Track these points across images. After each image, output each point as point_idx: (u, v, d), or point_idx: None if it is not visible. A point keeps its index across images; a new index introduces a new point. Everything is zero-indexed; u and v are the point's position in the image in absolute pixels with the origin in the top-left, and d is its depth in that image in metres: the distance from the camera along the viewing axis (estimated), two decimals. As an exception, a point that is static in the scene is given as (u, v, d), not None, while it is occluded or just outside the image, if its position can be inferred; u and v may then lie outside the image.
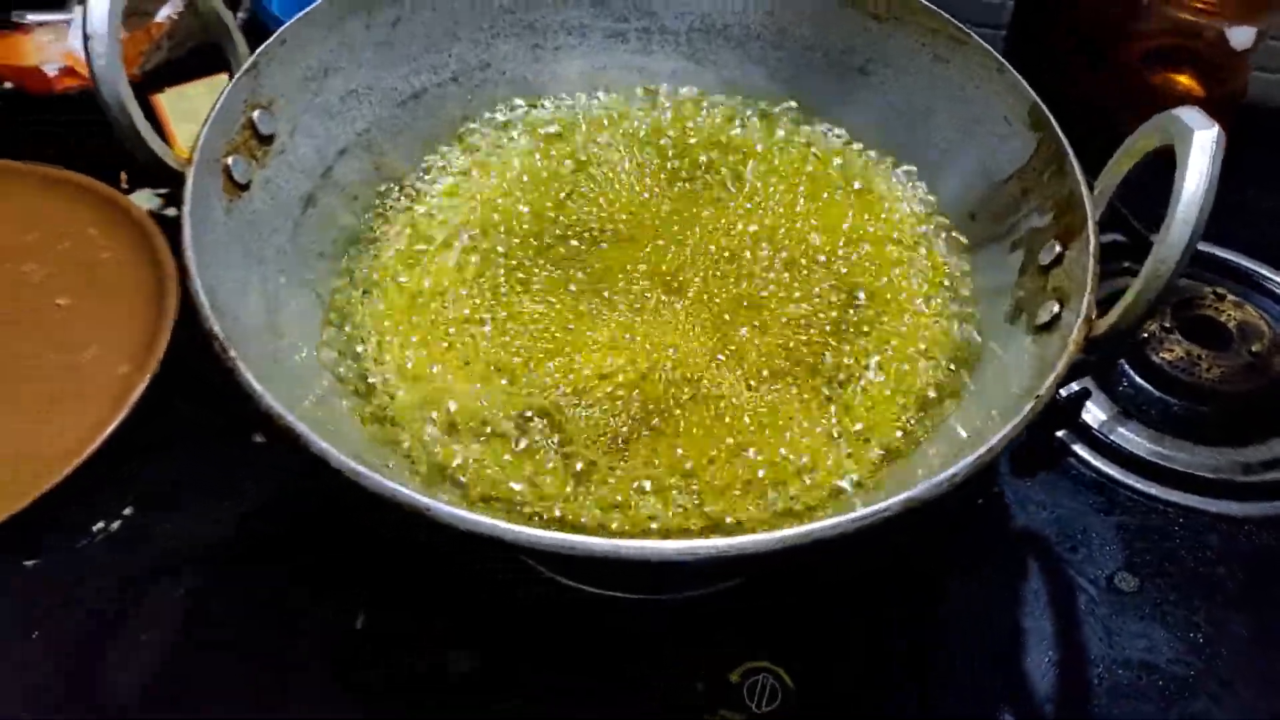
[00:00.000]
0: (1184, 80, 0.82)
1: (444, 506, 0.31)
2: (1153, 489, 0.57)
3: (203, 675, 0.48)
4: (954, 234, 0.52)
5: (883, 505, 0.33)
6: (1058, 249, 0.44)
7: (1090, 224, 0.42)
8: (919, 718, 0.48)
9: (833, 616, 0.51)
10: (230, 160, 0.44)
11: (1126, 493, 0.57)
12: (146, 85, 0.80)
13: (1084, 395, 0.59)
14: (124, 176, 0.75)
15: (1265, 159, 0.79)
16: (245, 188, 0.45)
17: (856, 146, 0.56)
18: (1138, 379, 0.60)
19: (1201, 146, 0.36)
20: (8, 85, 0.83)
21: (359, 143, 0.52)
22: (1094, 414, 0.60)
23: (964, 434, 0.43)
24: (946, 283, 0.50)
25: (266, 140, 0.47)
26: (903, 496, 0.34)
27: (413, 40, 0.54)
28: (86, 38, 0.37)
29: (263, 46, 0.47)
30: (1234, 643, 0.51)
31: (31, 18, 0.86)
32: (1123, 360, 0.61)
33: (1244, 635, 0.51)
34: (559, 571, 0.51)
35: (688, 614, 0.51)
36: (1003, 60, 0.49)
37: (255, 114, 0.46)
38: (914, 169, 0.54)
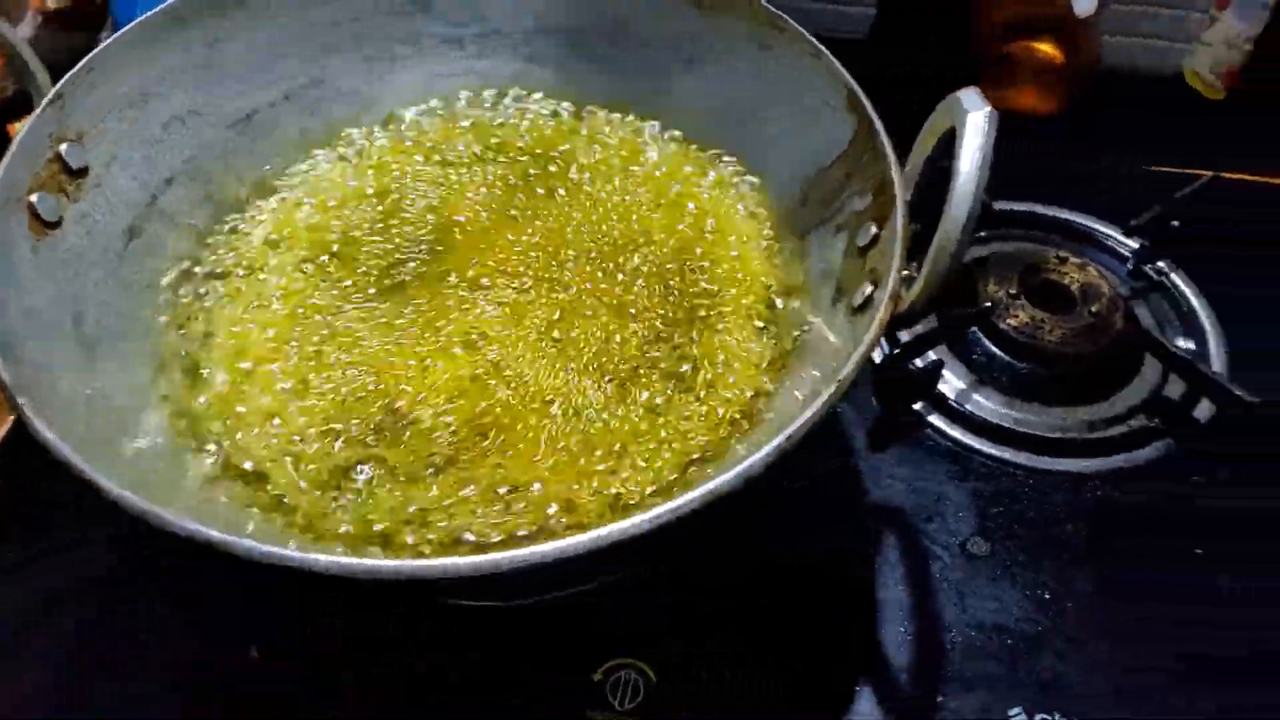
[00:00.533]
0: (1042, 47, 0.84)
1: (223, 537, 0.31)
2: (1004, 453, 0.58)
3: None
4: (785, 220, 0.53)
5: (677, 503, 0.34)
6: (874, 230, 0.45)
7: (899, 204, 0.43)
8: (778, 697, 0.49)
9: (690, 608, 0.52)
10: (35, 198, 0.43)
11: (980, 459, 0.58)
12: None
13: (939, 366, 0.60)
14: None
15: (1115, 122, 0.81)
16: (56, 224, 0.44)
17: (682, 139, 0.57)
18: (989, 346, 0.62)
19: (975, 126, 0.38)
20: None
21: (186, 170, 0.52)
22: (951, 384, 0.61)
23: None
24: (773, 273, 0.51)
25: (78, 174, 0.46)
26: (700, 491, 0.34)
27: (235, 60, 0.53)
28: None
29: (67, 76, 0.46)
30: (1079, 598, 0.53)
31: None
32: (974, 329, 0.62)
33: (1088, 590, 0.53)
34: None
35: (546, 619, 0.52)
36: (819, 45, 0.50)
37: (63, 147, 0.45)
38: (743, 159, 0.55)
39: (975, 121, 0.37)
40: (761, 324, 0.51)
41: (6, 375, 0.35)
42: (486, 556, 0.31)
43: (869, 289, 0.44)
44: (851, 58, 0.49)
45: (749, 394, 0.48)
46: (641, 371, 0.48)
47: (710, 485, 0.34)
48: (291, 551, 0.31)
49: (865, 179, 0.47)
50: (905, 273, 0.41)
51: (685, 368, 0.49)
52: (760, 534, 0.55)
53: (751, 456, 0.35)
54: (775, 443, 0.36)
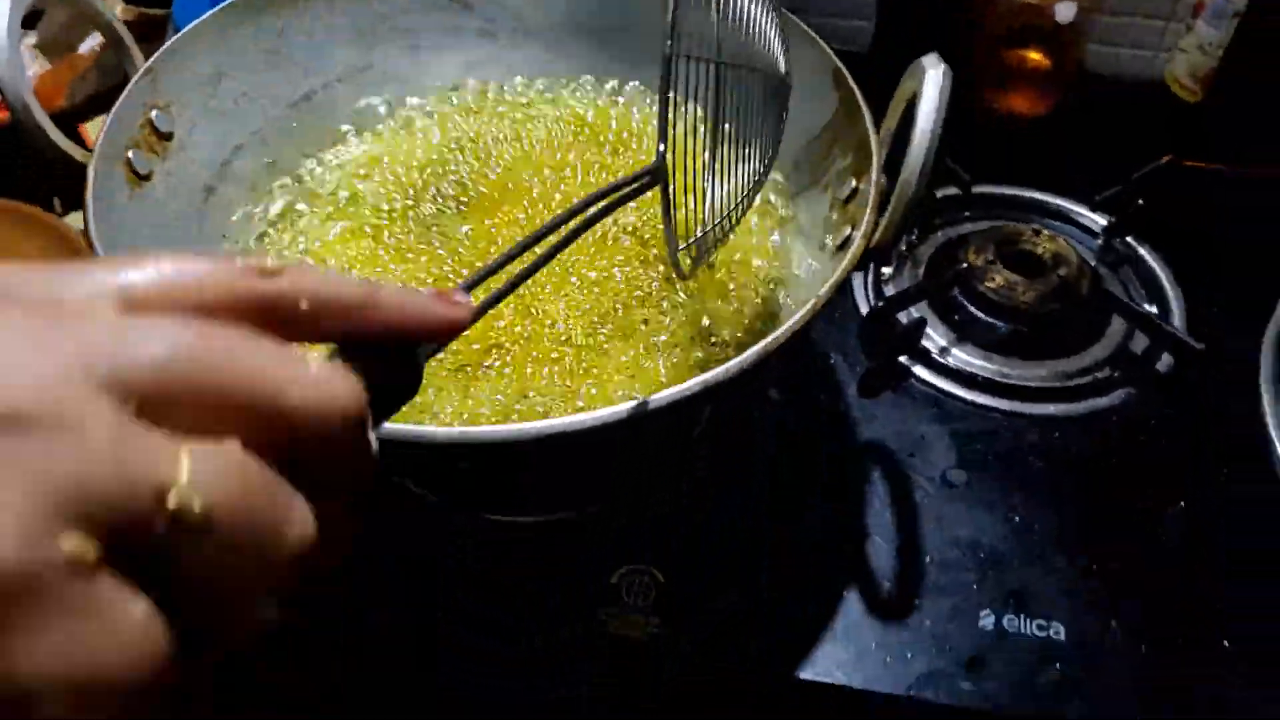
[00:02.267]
0: (1032, 55, 0.91)
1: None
2: (981, 399, 0.65)
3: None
4: (780, 182, 0.60)
5: (683, 387, 0.40)
6: (853, 184, 0.52)
7: (875, 159, 0.50)
8: (775, 599, 0.56)
9: (699, 526, 0.59)
10: (131, 154, 0.51)
11: (958, 404, 0.65)
12: (75, 115, 0.86)
13: (921, 323, 0.66)
14: (57, 201, 0.81)
15: (1099, 121, 0.88)
16: (147, 178, 0.52)
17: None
18: (969, 307, 0.68)
19: (933, 82, 0.44)
20: (-60, 121, 0.89)
21: (254, 140, 0.59)
22: (933, 340, 0.68)
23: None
24: (773, 222, 0.58)
25: (166, 137, 0.54)
26: (698, 380, 0.41)
27: (298, 47, 0.61)
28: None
29: (158, 53, 0.53)
30: (1044, 520, 0.59)
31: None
32: (955, 291, 0.69)
33: (1052, 515, 0.59)
34: (444, 493, 0.58)
35: (569, 533, 0.58)
36: (813, 34, 0.57)
37: (153, 114, 0.53)
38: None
39: (933, 77, 0.44)
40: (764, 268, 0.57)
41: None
42: (572, 418, 0.38)
43: (848, 230, 0.50)
44: (851, 68, 0.55)
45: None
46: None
47: (712, 373, 0.41)
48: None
49: (847, 144, 0.54)
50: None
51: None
52: (762, 466, 0.61)
53: (744, 354, 0.42)
54: (764, 343, 0.42)
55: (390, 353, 0.24)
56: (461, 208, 0.59)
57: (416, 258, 0.57)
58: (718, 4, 0.42)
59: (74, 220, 0.79)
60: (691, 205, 0.43)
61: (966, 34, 0.90)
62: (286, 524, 0.20)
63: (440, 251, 0.57)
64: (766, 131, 0.47)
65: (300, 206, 0.59)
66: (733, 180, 0.45)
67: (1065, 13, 0.84)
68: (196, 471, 0.18)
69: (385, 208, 0.59)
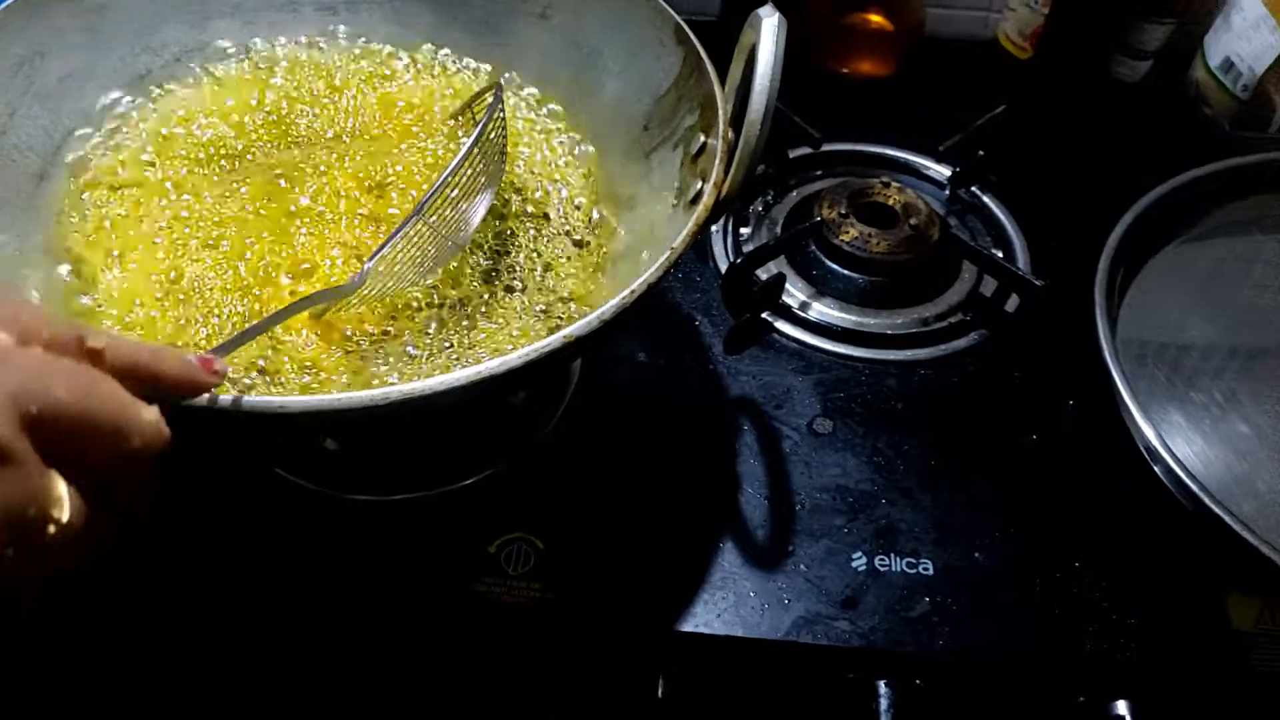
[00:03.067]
0: (873, 18, 0.94)
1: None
2: (842, 348, 0.67)
3: None
4: (632, 146, 0.60)
5: (545, 341, 0.40)
6: (703, 139, 0.53)
7: (721, 114, 0.51)
8: (652, 556, 0.56)
9: (575, 492, 0.59)
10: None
11: (821, 355, 0.67)
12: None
13: (781, 279, 0.68)
14: None
15: (939, 80, 0.91)
16: (-36, 168, 0.49)
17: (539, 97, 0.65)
18: (826, 261, 0.70)
19: (769, 30, 0.45)
20: None
21: (91, 122, 0.56)
22: (793, 295, 0.69)
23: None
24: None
25: (-19, 122, 0.50)
26: (560, 335, 0.41)
27: (122, 25, 0.58)
28: None
29: (-36, 36, 0.50)
30: (908, 461, 0.61)
31: None
32: (812, 245, 0.71)
33: (915, 454, 0.61)
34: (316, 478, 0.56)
35: (447, 507, 0.58)
36: (650, -4, 0.58)
37: (-35, 98, 0.50)
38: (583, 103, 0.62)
39: (769, 25, 0.45)
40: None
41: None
42: (439, 379, 0.38)
43: (699, 184, 0.51)
44: (702, 35, 0.55)
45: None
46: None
47: (573, 327, 0.41)
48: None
49: (694, 99, 0.55)
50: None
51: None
52: (637, 430, 0.62)
53: (602, 307, 0.42)
54: (622, 295, 0.42)
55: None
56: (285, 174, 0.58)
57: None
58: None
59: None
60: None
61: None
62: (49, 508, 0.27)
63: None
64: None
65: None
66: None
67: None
68: (72, 509, 0.27)
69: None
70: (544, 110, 0.64)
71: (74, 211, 0.54)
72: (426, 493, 0.58)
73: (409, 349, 0.51)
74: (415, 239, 0.49)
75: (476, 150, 0.49)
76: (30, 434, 0.26)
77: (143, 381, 0.31)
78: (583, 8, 0.61)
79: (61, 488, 0.27)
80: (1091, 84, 0.92)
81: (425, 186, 0.57)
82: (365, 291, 0.49)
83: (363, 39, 0.65)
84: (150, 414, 0.30)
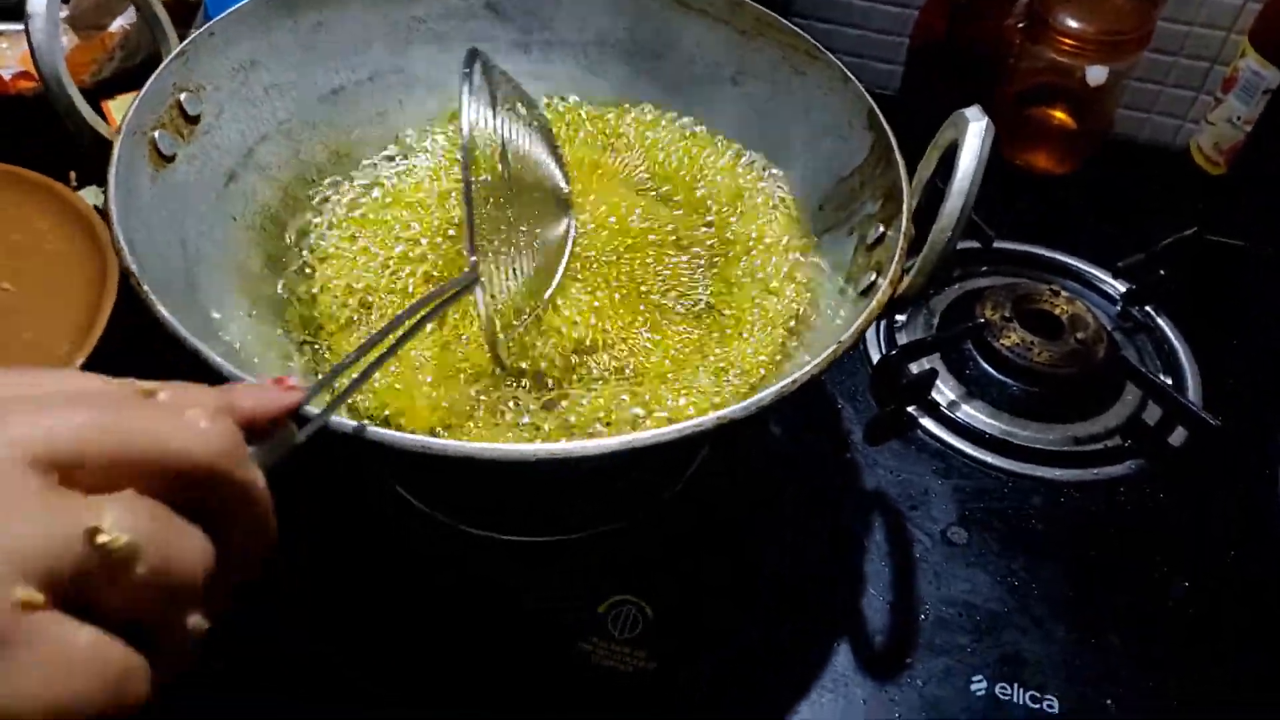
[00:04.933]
0: (1058, 114, 0.91)
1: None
2: (988, 457, 0.64)
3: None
4: (805, 222, 0.59)
5: (698, 421, 0.39)
6: (881, 229, 0.51)
7: (905, 206, 0.49)
8: (764, 643, 0.54)
9: (695, 560, 0.58)
10: (157, 134, 0.50)
11: (964, 460, 0.64)
12: (100, 93, 0.86)
13: (932, 375, 0.66)
14: (73, 175, 0.81)
15: (1122, 186, 0.88)
16: (170, 159, 0.51)
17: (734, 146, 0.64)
18: (982, 363, 0.68)
19: (975, 133, 0.44)
20: (-38, 88, 0.88)
21: (280, 130, 0.58)
22: (943, 393, 0.67)
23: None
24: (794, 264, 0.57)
25: (193, 120, 0.53)
26: (713, 416, 0.40)
27: (333, 43, 0.60)
28: (27, 17, 0.43)
29: (191, 36, 0.53)
30: (1044, 586, 0.58)
31: (-9, 26, 0.92)
32: (969, 346, 0.68)
33: (1052, 580, 0.58)
34: (445, 512, 0.57)
35: (563, 556, 0.57)
36: (848, 73, 0.57)
37: (182, 96, 0.52)
38: (777, 170, 0.62)
39: (975, 129, 0.44)
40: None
41: (135, 267, 0.41)
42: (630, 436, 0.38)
43: (873, 276, 0.49)
44: (881, 109, 0.54)
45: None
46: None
47: (728, 410, 0.40)
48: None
49: (877, 188, 0.54)
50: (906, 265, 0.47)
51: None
52: (763, 507, 0.60)
53: (762, 392, 0.41)
54: (781, 384, 0.41)
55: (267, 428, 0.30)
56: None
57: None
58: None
59: (87, 195, 0.79)
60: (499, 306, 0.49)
61: (994, 87, 0.90)
62: (187, 549, 0.25)
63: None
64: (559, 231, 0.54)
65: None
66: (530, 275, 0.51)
67: (1096, 76, 0.83)
68: (116, 515, 0.24)
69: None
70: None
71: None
72: (543, 539, 0.58)
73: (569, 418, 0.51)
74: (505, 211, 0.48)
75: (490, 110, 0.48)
76: (41, 473, 0.23)
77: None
78: (776, 77, 0.61)
79: (91, 501, 0.24)
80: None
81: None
82: (490, 290, 0.47)
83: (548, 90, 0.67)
84: (191, 414, 0.26)
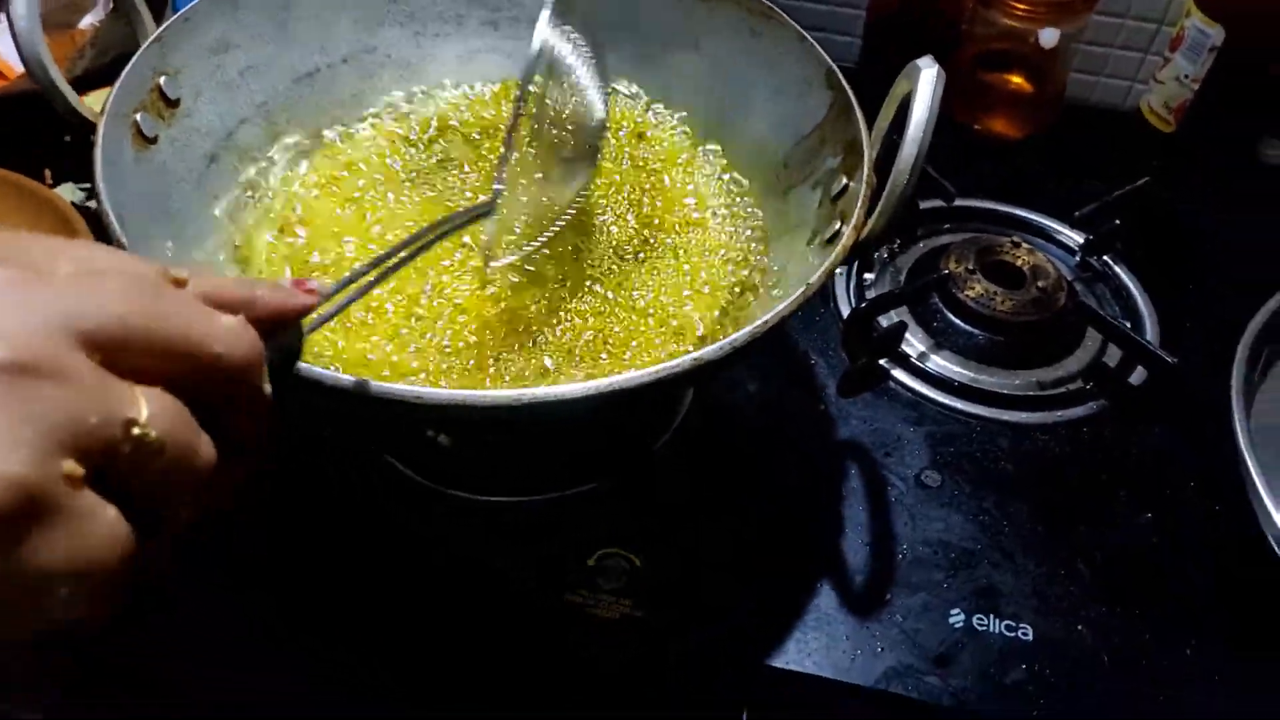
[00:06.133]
0: (1013, 79, 0.94)
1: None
2: (957, 403, 0.66)
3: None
4: (771, 181, 0.61)
5: (676, 362, 0.41)
6: (844, 181, 0.53)
7: (866, 158, 0.51)
8: (749, 587, 0.56)
9: (678, 514, 0.60)
10: (139, 117, 0.51)
11: (935, 408, 0.66)
12: (73, 88, 0.86)
13: (901, 328, 0.68)
14: (48, 173, 0.82)
15: (1078, 146, 0.90)
16: (153, 141, 0.52)
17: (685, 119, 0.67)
18: (948, 314, 0.70)
19: (926, 81, 0.46)
20: (-65, 87, 0.89)
21: (258, 112, 0.60)
22: (912, 345, 0.69)
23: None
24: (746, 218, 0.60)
25: (172, 104, 0.54)
26: (690, 357, 0.42)
27: (304, 24, 0.62)
28: (9, 4, 0.45)
29: (168, 22, 0.54)
30: (1014, 524, 0.60)
31: (-41, 25, 0.93)
32: (935, 298, 0.70)
33: (1022, 517, 0.60)
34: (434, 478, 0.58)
35: (551, 514, 0.59)
36: (803, 32, 0.59)
37: (161, 80, 0.53)
38: (731, 134, 0.64)
39: (927, 75, 0.46)
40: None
41: (124, 237, 0.43)
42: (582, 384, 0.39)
43: (838, 225, 0.52)
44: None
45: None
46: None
47: (703, 350, 0.42)
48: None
49: (838, 142, 0.56)
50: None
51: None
52: (744, 460, 0.62)
53: (735, 334, 0.43)
54: (754, 325, 0.43)
55: (277, 327, 0.31)
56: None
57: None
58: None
59: (64, 191, 0.80)
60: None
61: (951, 54, 0.92)
62: (200, 452, 0.27)
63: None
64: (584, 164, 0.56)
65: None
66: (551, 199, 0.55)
67: (1049, 38, 0.86)
68: (151, 410, 0.25)
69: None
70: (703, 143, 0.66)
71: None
72: (531, 498, 0.60)
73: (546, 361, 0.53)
74: (535, 147, 0.51)
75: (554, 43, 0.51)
76: (89, 352, 0.24)
77: (234, 309, 0.29)
78: (735, 41, 0.63)
79: (131, 390, 0.25)
80: (1237, 164, 0.89)
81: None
82: (506, 214, 0.50)
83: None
84: (227, 319, 0.28)
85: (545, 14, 0.47)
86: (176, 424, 0.26)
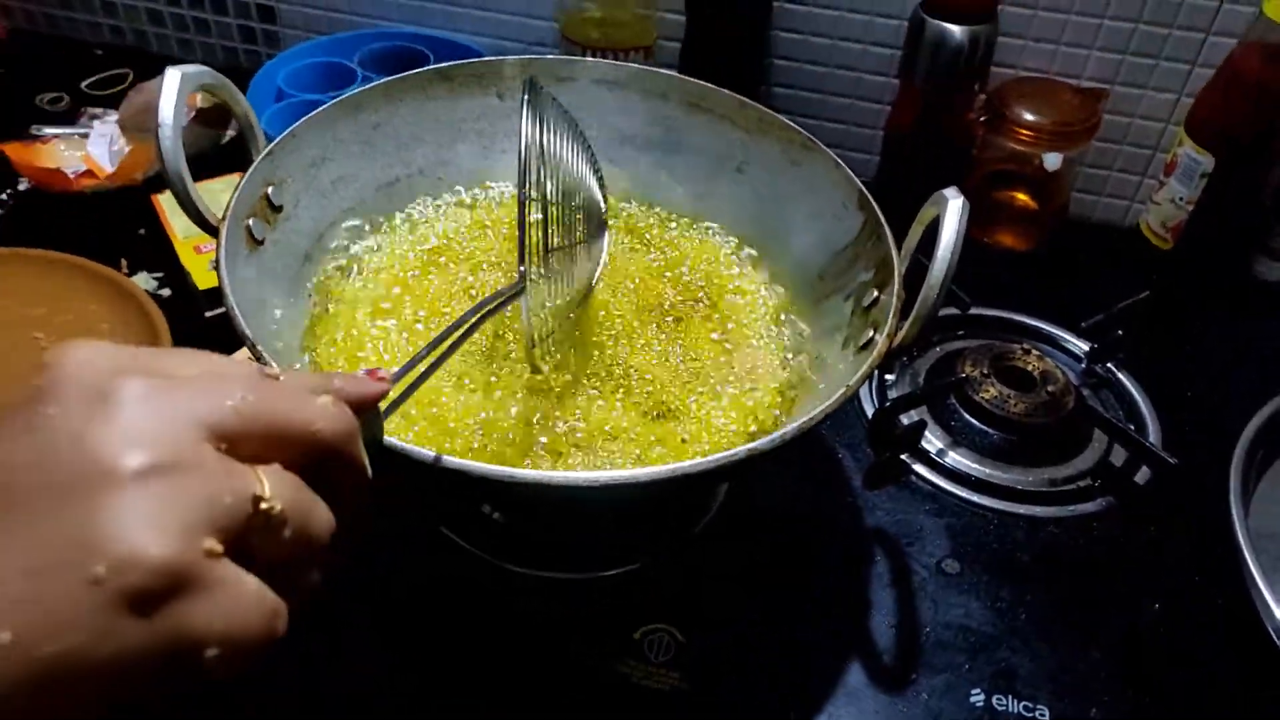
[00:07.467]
0: (1020, 196, 1.01)
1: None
2: (975, 497, 0.71)
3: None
4: (805, 291, 0.68)
5: (733, 451, 0.47)
6: (875, 294, 0.60)
7: (897, 274, 0.58)
8: (783, 661, 0.61)
9: (719, 594, 0.64)
10: (251, 222, 0.58)
11: (954, 500, 0.71)
12: (149, 188, 0.94)
13: (921, 425, 0.74)
14: (124, 262, 0.88)
15: (1078, 257, 0.97)
16: (261, 243, 0.59)
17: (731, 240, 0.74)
18: (964, 415, 0.76)
19: (953, 210, 0.52)
20: (24, 185, 0.96)
21: (346, 215, 0.67)
22: (932, 442, 0.75)
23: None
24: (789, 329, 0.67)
25: (277, 209, 0.61)
26: (746, 448, 0.47)
27: (388, 141, 0.69)
28: (158, 125, 0.52)
29: (278, 139, 0.61)
30: (1030, 610, 0.65)
31: (49, 131, 1.01)
32: (952, 399, 0.76)
33: (1037, 605, 0.65)
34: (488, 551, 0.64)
35: (599, 591, 0.64)
36: (839, 161, 0.66)
37: (269, 189, 0.60)
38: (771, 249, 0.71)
39: (953, 206, 0.52)
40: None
41: (250, 332, 0.49)
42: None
43: (870, 333, 0.58)
44: None
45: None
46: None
47: (757, 443, 0.47)
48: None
49: (870, 259, 0.62)
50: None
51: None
52: (777, 546, 0.67)
53: (784, 428, 0.48)
54: (799, 422, 0.49)
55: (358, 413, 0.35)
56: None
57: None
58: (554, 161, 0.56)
59: (139, 280, 0.86)
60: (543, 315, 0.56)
61: (960, 173, 1.00)
62: (319, 517, 0.31)
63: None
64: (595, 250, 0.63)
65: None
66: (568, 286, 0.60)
67: (1052, 162, 0.93)
68: (272, 484, 0.29)
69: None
70: (744, 253, 0.73)
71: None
72: (579, 575, 0.64)
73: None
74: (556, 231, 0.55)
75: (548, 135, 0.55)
76: (215, 443, 0.28)
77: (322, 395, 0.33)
78: (775, 168, 0.70)
79: (255, 472, 0.29)
80: (1231, 280, 0.96)
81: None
82: (538, 298, 0.54)
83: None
84: (322, 399, 0.32)
85: (525, 112, 0.51)
86: (295, 494, 0.30)
